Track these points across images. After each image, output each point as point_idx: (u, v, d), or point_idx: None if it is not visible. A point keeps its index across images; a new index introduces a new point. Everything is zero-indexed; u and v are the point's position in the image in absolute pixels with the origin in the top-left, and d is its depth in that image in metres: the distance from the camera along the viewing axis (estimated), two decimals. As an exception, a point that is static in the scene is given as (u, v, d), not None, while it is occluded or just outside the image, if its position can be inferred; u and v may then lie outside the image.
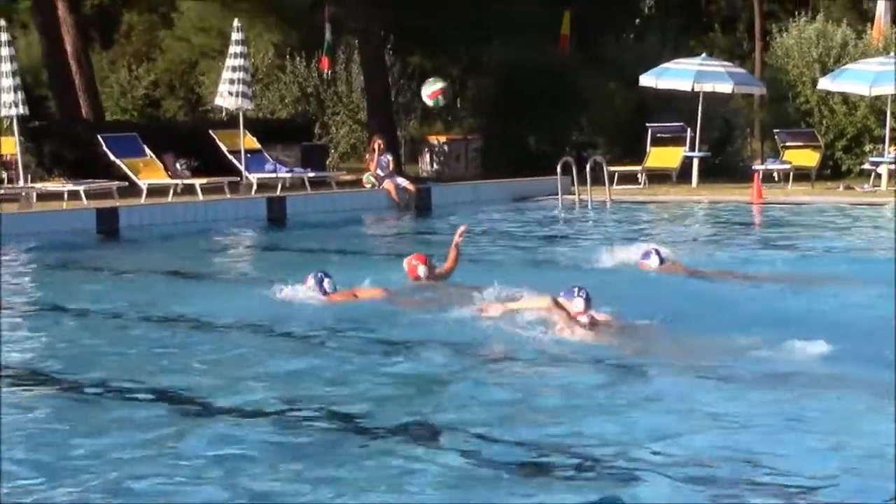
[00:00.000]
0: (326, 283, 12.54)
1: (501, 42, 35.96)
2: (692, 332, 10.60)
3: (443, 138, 37.00)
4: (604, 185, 26.06)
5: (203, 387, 9.36)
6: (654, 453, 7.32)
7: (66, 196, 25.08)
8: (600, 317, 10.78)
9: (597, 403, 8.68)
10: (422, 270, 13.10)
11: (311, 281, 12.46)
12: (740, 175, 30.74)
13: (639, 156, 30.46)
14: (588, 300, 10.89)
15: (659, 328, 10.66)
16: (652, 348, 10.22)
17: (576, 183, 26.11)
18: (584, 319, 10.65)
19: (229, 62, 27.58)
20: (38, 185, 26.07)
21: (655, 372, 9.47)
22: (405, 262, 13.20)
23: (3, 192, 24.40)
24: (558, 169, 25.74)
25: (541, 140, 33.44)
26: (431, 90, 13.33)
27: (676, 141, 30.56)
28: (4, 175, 28.85)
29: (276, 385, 9.36)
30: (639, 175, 29.85)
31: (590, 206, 25.28)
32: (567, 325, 10.57)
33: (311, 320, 11.80)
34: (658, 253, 14.33)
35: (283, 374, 9.72)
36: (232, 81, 27.30)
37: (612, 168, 27.81)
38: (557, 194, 25.74)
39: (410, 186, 26.40)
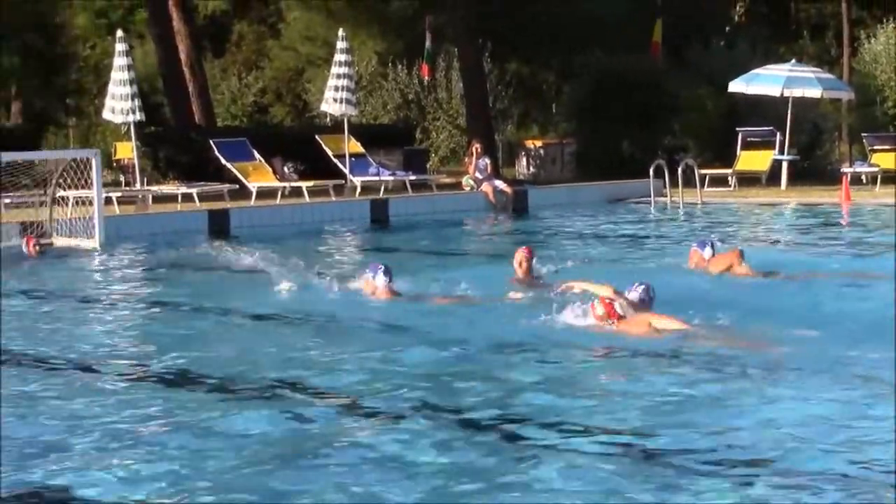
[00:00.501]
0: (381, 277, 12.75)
1: (595, 49, 35.85)
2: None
3: (539, 142, 36.96)
4: (695, 187, 25.98)
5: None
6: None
7: (179, 198, 25.36)
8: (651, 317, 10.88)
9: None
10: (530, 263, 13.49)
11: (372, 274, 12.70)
12: (829, 178, 30.40)
13: (729, 159, 30.26)
14: (649, 294, 11.25)
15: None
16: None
17: (668, 185, 26.03)
18: (618, 308, 10.84)
19: (334, 70, 27.79)
20: (154, 188, 26.36)
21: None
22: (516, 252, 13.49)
23: (121, 194, 24.72)
24: (651, 172, 25.69)
25: (634, 144, 33.33)
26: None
27: (766, 144, 30.32)
28: (122, 178, 29.30)
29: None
30: (729, 178, 29.64)
31: (681, 208, 25.20)
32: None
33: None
34: (713, 245, 14.43)
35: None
36: (337, 88, 27.51)
37: (703, 171, 27.67)
38: (650, 196, 25.68)
39: (508, 189, 26.43)
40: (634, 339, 10.55)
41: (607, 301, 10.91)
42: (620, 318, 10.84)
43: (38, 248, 18.66)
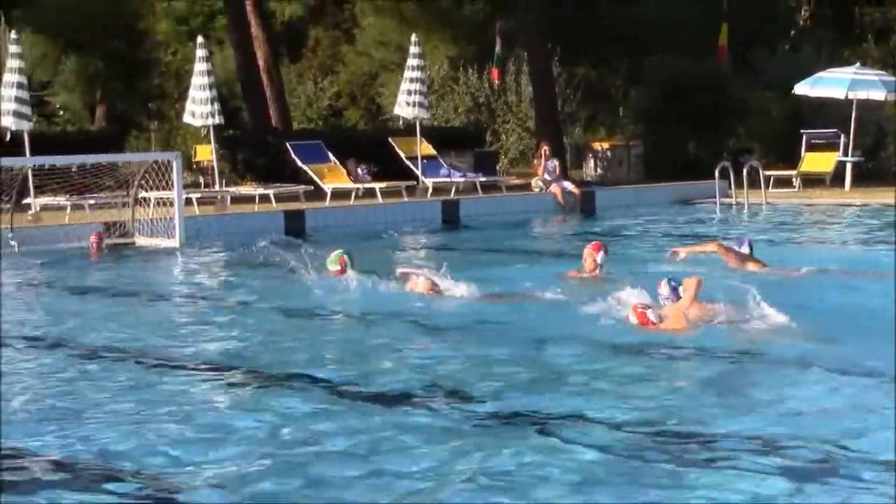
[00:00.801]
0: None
1: (661, 53, 35.71)
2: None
3: (606, 144, 36.83)
4: (759, 188, 25.84)
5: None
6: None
7: (257, 199, 25.54)
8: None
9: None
10: (600, 258, 13.59)
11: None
12: (892, 179, 30.10)
13: (793, 161, 30.06)
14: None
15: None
16: None
17: (733, 186, 25.90)
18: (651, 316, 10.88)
19: (407, 74, 27.89)
20: (232, 189, 26.56)
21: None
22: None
23: (200, 195, 24.93)
24: (716, 173, 25.56)
25: (700, 146, 33.21)
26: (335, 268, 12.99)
27: (830, 146, 30.09)
28: (202, 180, 29.53)
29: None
30: (793, 179, 29.44)
31: (746, 209, 25.05)
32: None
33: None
34: (751, 244, 14.50)
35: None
36: (410, 92, 27.61)
37: (768, 172, 27.53)
38: (715, 197, 25.55)
39: (575, 190, 26.39)
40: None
41: (640, 310, 10.86)
42: (654, 323, 10.80)
43: (102, 246, 18.73)
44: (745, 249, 14.37)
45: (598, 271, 13.59)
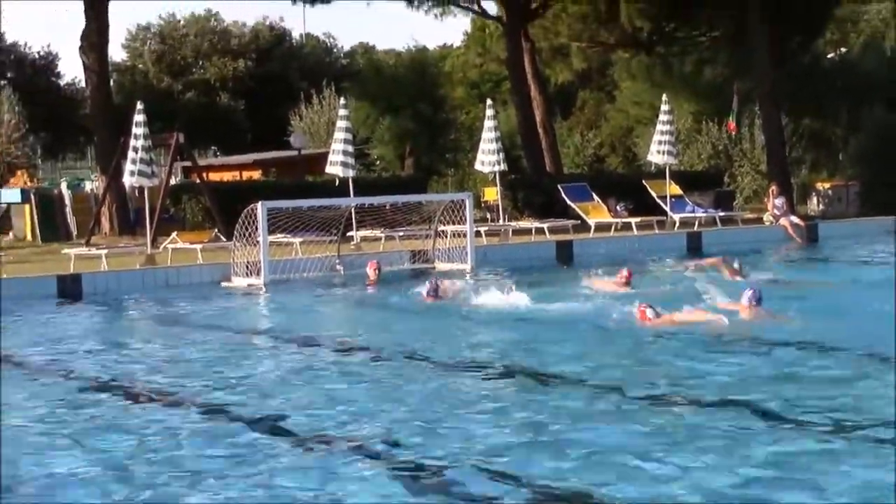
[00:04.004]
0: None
1: (878, 105, 34.28)
2: None
3: (827, 184, 35.61)
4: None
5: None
6: None
7: (533, 232, 25.50)
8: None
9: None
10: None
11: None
12: None
13: None
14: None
15: None
16: None
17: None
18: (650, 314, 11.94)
19: (658, 127, 27.42)
20: (513, 224, 26.61)
21: None
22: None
23: (487, 228, 25.02)
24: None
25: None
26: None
27: None
28: (488, 216, 29.66)
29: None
30: None
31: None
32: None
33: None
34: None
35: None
36: (660, 142, 27.13)
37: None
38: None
39: (801, 222, 25.54)
40: None
41: (642, 310, 11.90)
42: (651, 318, 11.82)
43: (378, 273, 18.19)
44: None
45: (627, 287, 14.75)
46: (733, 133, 38.71)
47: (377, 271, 18.04)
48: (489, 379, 9.74)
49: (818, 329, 11.42)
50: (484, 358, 10.92)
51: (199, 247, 21.05)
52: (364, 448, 7.33)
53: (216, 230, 22.83)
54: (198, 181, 27.96)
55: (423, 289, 14.96)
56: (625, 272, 15.19)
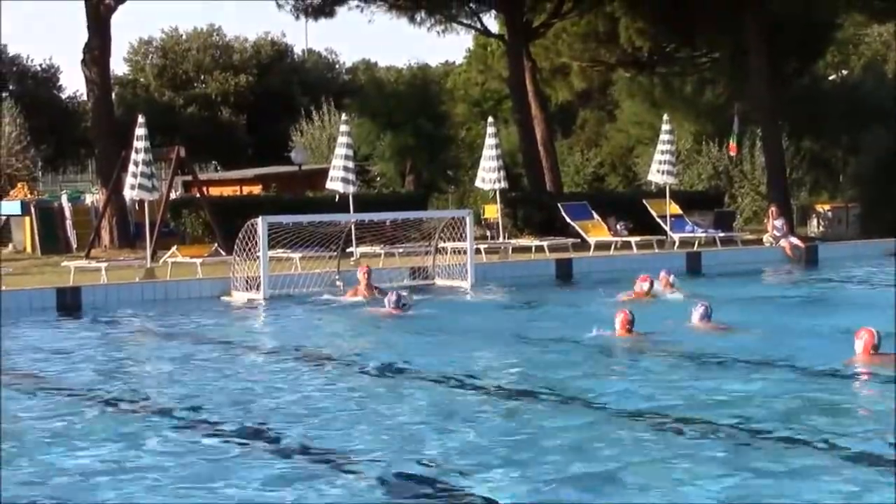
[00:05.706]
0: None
1: (876, 128, 34.30)
2: None
3: (827, 206, 35.64)
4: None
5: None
6: None
7: (533, 249, 25.46)
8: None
9: None
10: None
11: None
12: None
13: None
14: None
15: None
16: None
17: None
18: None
19: (659, 147, 27.44)
20: (513, 241, 26.56)
21: None
22: None
23: (487, 246, 25.00)
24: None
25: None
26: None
27: None
28: (488, 233, 29.63)
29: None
30: None
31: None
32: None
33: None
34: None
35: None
36: (660, 162, 27.16)
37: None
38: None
39: (801, 244, 25.54)
40: None
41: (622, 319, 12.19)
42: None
43: (368, 276, 17.69)
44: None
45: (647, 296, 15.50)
46: (734, 154, 38.75)
47: (367, 275, 17.69)
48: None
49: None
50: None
51: (198, 261, 21.04)
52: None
53: (216, 244, 22.82)
54: (198, 195, 27.98)
55: (387, 300, 15.01)
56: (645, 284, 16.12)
